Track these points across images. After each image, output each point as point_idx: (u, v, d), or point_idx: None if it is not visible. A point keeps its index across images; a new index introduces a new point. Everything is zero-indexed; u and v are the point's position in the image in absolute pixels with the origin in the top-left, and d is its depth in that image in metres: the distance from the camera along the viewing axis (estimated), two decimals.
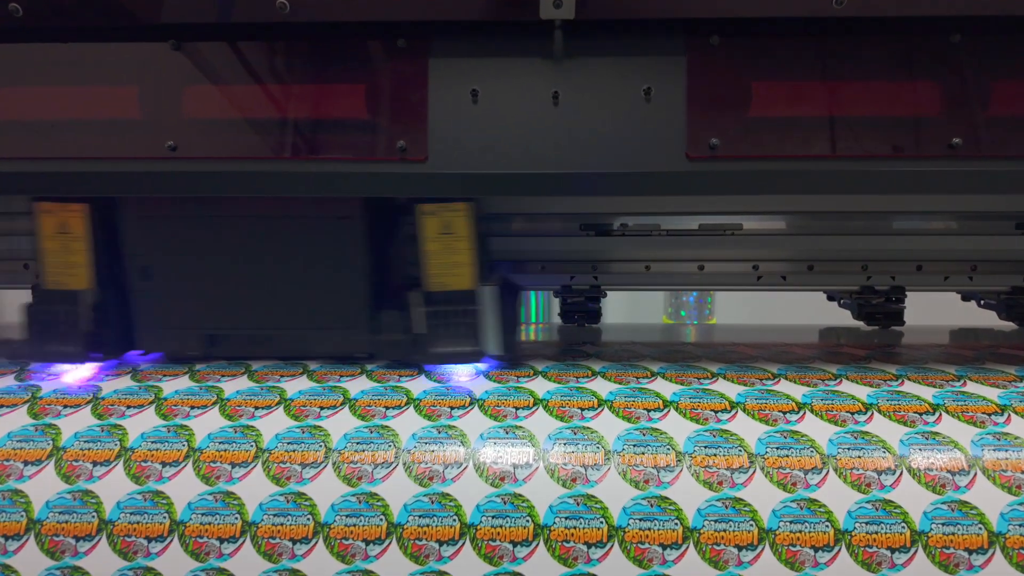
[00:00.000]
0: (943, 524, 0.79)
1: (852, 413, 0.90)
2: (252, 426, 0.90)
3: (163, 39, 0.93)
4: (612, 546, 0.79)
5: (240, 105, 0.94)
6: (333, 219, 1.02)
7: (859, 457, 0.83)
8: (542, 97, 0.92)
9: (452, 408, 0.92)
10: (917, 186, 0.92)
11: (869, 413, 0.90)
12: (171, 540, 0.81)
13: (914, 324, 1.35)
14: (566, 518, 0.80)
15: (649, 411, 0.91)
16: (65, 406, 0.94)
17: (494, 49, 0.92)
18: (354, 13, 0.89)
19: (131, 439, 0.88)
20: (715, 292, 3.10)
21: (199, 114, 0.94)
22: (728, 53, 0.92)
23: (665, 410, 0.91)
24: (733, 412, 0.91)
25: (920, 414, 0.90)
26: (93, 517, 0.82)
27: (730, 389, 0.96)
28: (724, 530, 0.79)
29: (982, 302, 1.38)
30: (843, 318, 1.47)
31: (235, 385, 0.99)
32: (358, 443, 0.87)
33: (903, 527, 0.79)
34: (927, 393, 0.94)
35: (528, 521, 0.80)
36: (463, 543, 0.79)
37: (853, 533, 0.78)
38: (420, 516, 0.81)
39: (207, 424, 0.90)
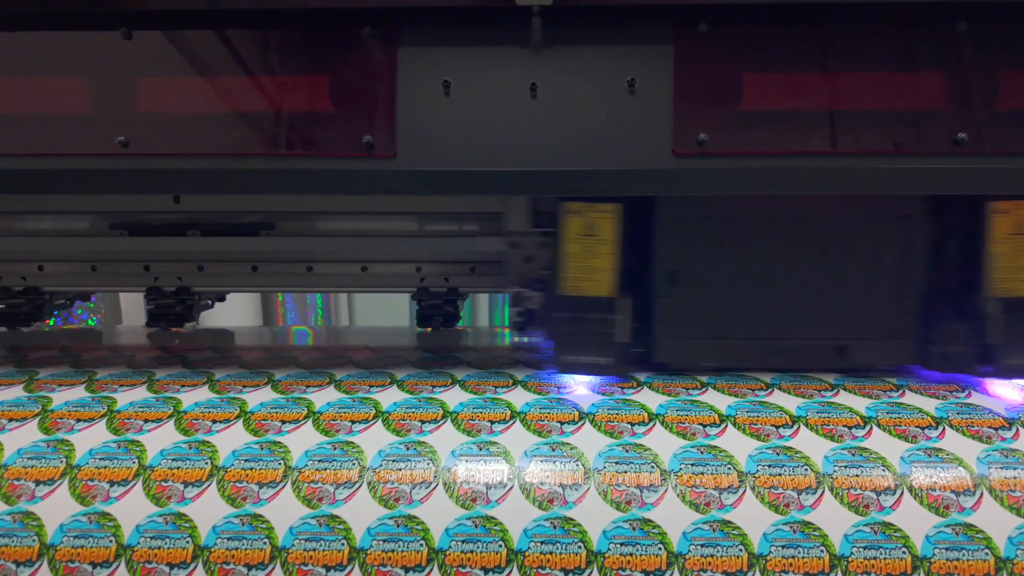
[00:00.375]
0: (947, 549, 0.73)
1: (850, 427, 0.84)
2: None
3: (113, 27, 0.87)
4: (591, 572, 0.73)
5: (196, 98, 0.88)
6: (888, 219, 0.94)
7: (857, 476, 0.78)
8: (519, 89, 0.86)
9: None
10: (920, 184, 0.86)
11: (868, 427, 0.84)
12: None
13: None
14: (541, 542, 0.74)
15: (633, 425, 0.85)
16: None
17: (468, 38, 0.86)
18: None
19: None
20: None
21: (153, 108, 0.88)
22: (718, 42, 0.85)
23: (650, 424, 0.85)
24: (723, 426, 0.85)
25: (922, 428, 0.84)
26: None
27: (720, 400, 0.90)
28: (711, 555, 0.73)
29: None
30: None
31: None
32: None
33: (904, 552, 0.73)
34: (929, 405, 0.89)
35: (501, 546, 0.74)
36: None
37: (850, 559, 0.73)
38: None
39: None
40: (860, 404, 0.89)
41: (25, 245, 1.27)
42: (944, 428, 0.84)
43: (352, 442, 0.83)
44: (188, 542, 0.76)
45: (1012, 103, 0.86)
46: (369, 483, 0.79)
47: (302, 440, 0.84)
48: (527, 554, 0.74)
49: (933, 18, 0.84)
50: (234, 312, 2.77)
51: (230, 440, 0.84)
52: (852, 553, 0.73)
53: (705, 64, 0.86)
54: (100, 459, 0.82)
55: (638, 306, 0.97)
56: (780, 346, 0.99)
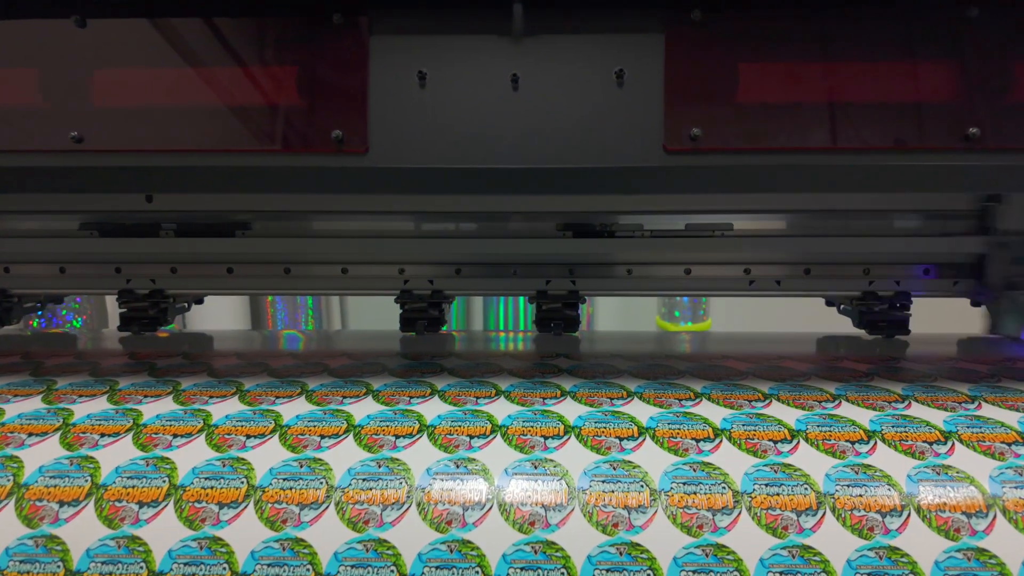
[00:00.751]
0: None
1: (853, 443, 0.79)
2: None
3: (66, 15, 0.81)
4: None
5: (155, 91, 0.82)
6: None
7: (860, 496, 0.72)
8: (499, 80, 0.80)
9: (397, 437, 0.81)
10: (928, 182, 0.81)
11: (872, 442, 0.79)
12: None
13: (920, 333, 1.24)
14: (521, 569, 0.69)
15: (621, 440, 0.80)
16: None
17: (444, 25, 0.80)
18: None
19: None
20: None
21: (108, 101, 0.83)
22: (712, 30, 0.80)
23: (640, 439, 0.80)
24: (717, 441, 0.79)
25: (930, 443, 0.78)
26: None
27: (714, 412, 0.85)
28: None
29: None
30: (844, 324, 1.36)
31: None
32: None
33: None
34: (937, 418, 0.83)
35: (478, 572, 0.69)
36: None
37: None
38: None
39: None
40: (863, 417, 0.83)
41: None
42: (953, 443, 0.79)
43: (320, 459, 0.78)
44: (142, 567, 0.70)
45: None
46: (337, 503, 0.73)
47: (267, 456, 0.78)
48: None
49: (943, 4, 0.79)
50: (222, 314, 2.72)
51: (190, 456, 0.79)
52: None
53: (699, 53, 0.80)
54: (50, 477, 0.77)
55: None
56: None
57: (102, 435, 0.82)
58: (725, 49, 0.80)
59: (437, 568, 0.69)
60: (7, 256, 1.25)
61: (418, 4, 0.80)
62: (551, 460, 0.77)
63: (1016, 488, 0.73)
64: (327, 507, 0.73)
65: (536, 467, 0.76)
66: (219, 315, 2.70)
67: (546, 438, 0.80)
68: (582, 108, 0.79)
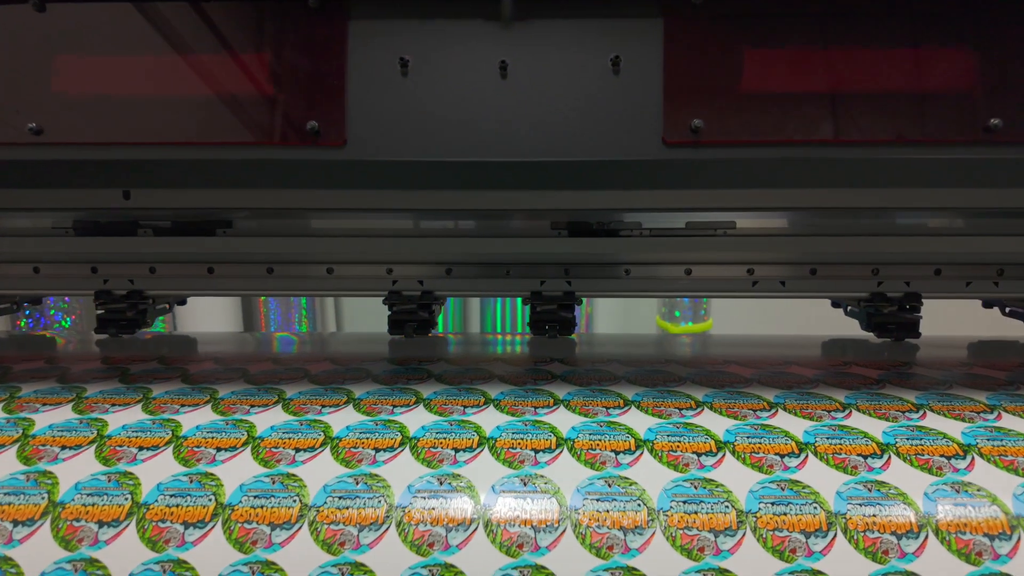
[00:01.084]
0: None
1: (865, 457, 0.73)
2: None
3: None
4: None
5: (117, 80, 0.77)
6: None
7: (874, 516, 0.67)
8: (487, 68, 0.75)
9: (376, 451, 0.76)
10: (945, 178, 0.76)
11: (886, 457, 0.73)
12: None
13: (930, 336, 1.19)
14: None
15: (617, 454, 0.75)
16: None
17: (428, 9, 0.75)
18: None
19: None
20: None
21: (69, 90, 0.77)
22: (714, 14, 0.74)
23: (637, 452, 0.75)
24: (720, 455, 0.74)
25: (948, 458, 0.73)
26: None
27: (717, 423, 0.80)
28: None
29: (1007, 309, 1.22)
30: (850, 327, 1.30)
31: (194, 419, 0.82)
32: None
33: None
34: (955, 429, 0.78)
35: None
36: None
37: None
38: None
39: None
40: (876, 428, 0.78)
41: None
42: (973, 457, 0.73)
43: (294, 474, 0.72)
44: None
45: None
46: (311, 523, 0.68)
47: (237, 471, 0.73)
48: None
49: None
50: (213, 315, 2.67)
51: (156, 471, 0.74)
52: None
53: (700, 39, 0.74)
54: (3, 494, 0.71)
55: None
56: None
57: (63, 447, 0.77)
58: (729, 34, 0.75)
59: None
60: None
61: None
62: (542, 476, 0.72)
63: None
64: (300, 527, 0.68)
65: (525, 484, 0.71)
66: (210, 316, 2.65)
67: (537, 451, 0.75)
68: (575, 98, 0.74)
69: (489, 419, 0.81)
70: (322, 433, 0.78)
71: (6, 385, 0.93)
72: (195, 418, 0.82)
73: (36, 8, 0.76)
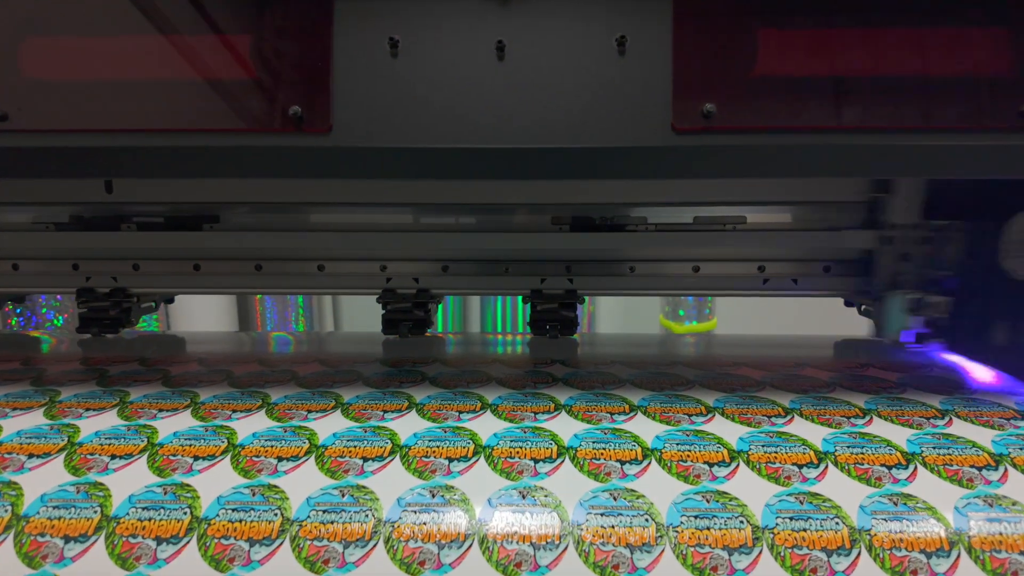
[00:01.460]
0: None
1: (889, 468, 0.68)
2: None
3: None
4: None
5: (92, 63, 0.71)
6: None
7: (900, 532, 0.62)
8: (483, 48, 0.69)
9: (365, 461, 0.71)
10: (975, 167, 0.70)
11: (912, 467, 0.68)
12: None
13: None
14: None
15: (623, 464, 0.69)
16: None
17: None
18: None
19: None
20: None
21: (38, 74, 0.72)
22: None
23: (644, 462, 0.70)
24: (733, 465, 0.69)
25: (979, 468, 0.68)
26: None
27: (729, 431, 0.75)
28: None
29: None
30: (850, 327, 1.25)
31: (172, 425, 0.77)
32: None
33: None
34: (984, 437, 0.73)
35: None
36: None
37: None
38: None
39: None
40: (900, 436, 0.73)
41: None
42: (1006, 468, 0.68)
43: (275, 486, 0.67)
44: None
45: None
46: (293, 539, 0.63)
47: (215, 482, 0.68)
48: None
49: None
50: (208, 314, 2.62)
51: (128, 482, 0.69)
52: None
53: (712, 18, 0.69)
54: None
55: None
56: None
57: (29, 456, 0.72)
58: (743, 12, 0.69)
59: None
60: None
61: None
62: (542, 488, 0.67)
63: None
64: (281, 543, 0.63)
65: (524, 496, 0.66)
66: (205, 316, 2.60)
67: (536, 461, 0.70)
68: (578, 81, 0.69)
69: (486, 426, 0.76)
70: (307, 441, 0.73)
71: None
72: (173, 424, 0.77)
73: None
